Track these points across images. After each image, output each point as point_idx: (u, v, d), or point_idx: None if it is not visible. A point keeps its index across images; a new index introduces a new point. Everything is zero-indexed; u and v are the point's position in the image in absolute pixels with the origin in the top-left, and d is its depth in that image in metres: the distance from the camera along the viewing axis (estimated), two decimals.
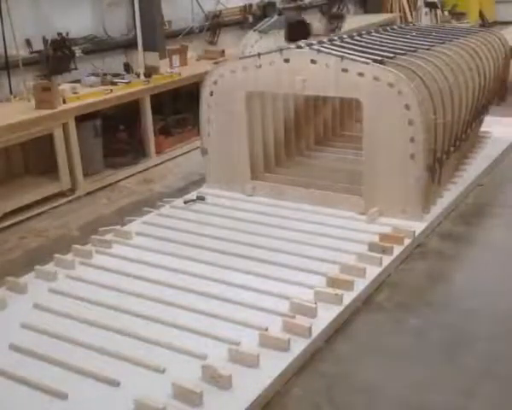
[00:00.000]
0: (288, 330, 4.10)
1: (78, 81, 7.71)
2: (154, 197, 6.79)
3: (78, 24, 8.11)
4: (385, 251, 5.03)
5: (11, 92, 7.28)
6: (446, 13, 15.17)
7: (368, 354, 4.05)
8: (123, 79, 7.95)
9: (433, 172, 5.66)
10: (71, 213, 6.60)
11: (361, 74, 5.58)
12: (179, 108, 8.78)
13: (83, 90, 7.39)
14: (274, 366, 3.79)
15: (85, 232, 5.86)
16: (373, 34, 7.26)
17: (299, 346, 3.98)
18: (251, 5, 11.10)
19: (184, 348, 3.97)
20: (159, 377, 3.75)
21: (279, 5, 11.66)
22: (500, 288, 4.81)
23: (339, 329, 4.28)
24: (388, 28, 8.08)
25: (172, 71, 8.45)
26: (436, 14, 15.14)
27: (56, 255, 5.25)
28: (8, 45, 7.22)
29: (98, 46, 8.35)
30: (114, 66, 8.34)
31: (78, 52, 7.85)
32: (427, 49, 6.57)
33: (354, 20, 12.94)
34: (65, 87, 7.28)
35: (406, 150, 5.49)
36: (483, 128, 7.97)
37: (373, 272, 4.80)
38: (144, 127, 7.93)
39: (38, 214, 6.47)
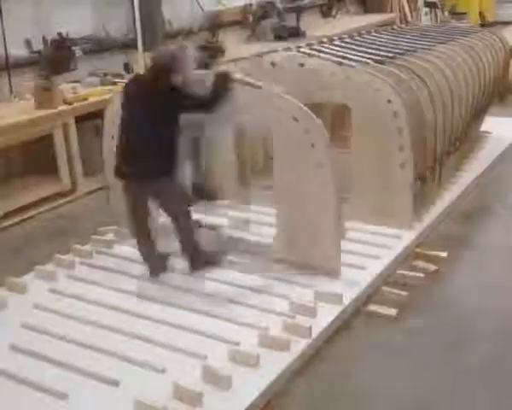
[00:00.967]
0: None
1: (78, 81, 7.71)
2: None
3: (78, 24, 8.10)
4: None
5: (11, 92, 7.28)
6: (446, 13, 15.17)
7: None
8: (123, 79, 7.95)
9: (424, 180, 5.53)
10: (71, 212, 6.60)
11: (348, 78, 5.43)
12: None
13: (83, 91, 7.39)
14: None
15: (85, 232, 5.86)
16: (373, 34, 7.26)
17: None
18: (251, 5, 11.09)
19: (185, 348, 3.97)
20: (159, 377, 3.75)
21: (279, 5, 11.64)
22: (500, 287, 4.81)
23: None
24: (388, 28, 8.08)
25: None
26: (436, 14, 15.13)
27: (56, 255, 5.25)
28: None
29: (98, 46, 8.34)
30: (114, 66, 8.33)
31: (78, 52, 7.85)
32: (427, 49, 6.57)
33: (354, 20, 12.94)
34: (65, 87, 7.28)
35: (396, 159, 5.30)
36: (483, 128, 7.97)
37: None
38: None
39: (38, 214, 6.47)
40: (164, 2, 9.08)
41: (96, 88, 7.56)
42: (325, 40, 6.69)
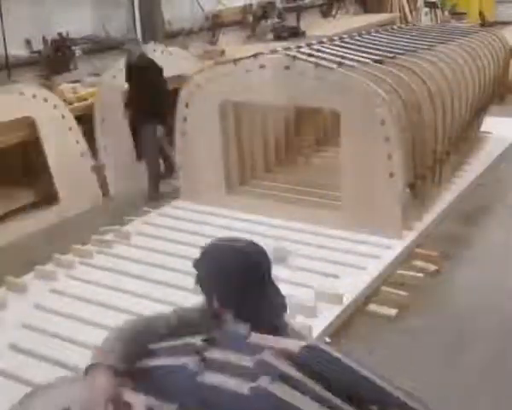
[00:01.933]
0: None
1: (78, 81, 7.71)
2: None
3: (78, 24, 8.11)
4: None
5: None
6: (446, 13, 15.17)
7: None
8: None
9: (414, 189, 5.41)
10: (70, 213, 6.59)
11: (335, 82, 5.27)
12: None
13: (83, 90, 7.39)
14: None
15: (85, 232, 5.86)
16: (373, 34, 7.26)
17: None
18: (251, 5, 11.09)
19: None
20: None
21: (279, 5, 11.65)
22: (500, 287, 4.81)
23: None
24: (388, 28, 8.08)
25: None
26: (436, 14, 15.14)
27: (56, 255, 5.25)
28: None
29: (98, 46, 8.34)
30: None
31: (78, 52, 7.86)
32: (427, 49, 6.57)
33: (354, 20, 12.94)
34: (65, 87, 7.28)
35: (384, 168, 5.16)
36: (483, 128, 7.97)
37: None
38: None
39: (38, 214, 6.45)
40: (164, 2, 9.09)
41: (96, 88, 7.55)
42: (325, 40, 6.69)
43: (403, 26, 10.39)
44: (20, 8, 7.44)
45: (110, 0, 8.66)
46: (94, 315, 4.38)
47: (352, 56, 5.80)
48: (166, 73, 6.71)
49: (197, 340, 1.91)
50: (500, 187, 6.81)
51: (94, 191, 6.73)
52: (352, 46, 6.37)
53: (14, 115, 6.18)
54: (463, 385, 3.74)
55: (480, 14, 15.37)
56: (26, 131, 6.34)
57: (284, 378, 1.71)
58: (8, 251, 5.65)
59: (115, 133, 7.02)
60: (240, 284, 2.02)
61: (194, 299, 4.32)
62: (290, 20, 11.69)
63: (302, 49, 6.07)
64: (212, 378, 1.79)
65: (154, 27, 8.80)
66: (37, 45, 7.62)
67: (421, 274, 4.93)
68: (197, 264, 2.16)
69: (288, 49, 6.21)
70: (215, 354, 1.84)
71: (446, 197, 6.19)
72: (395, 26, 8.99)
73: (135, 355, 2.07)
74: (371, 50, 6.17)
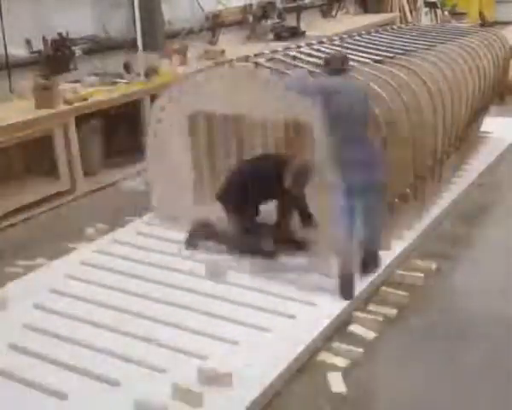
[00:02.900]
0: None
1: (78, 81, 7.71)
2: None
3: (78, 24, 8.10)
4: None
5: (11, 92, 7.28)
6: (446, 13, 15.17)
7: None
8: (123, 78, 7.95)
9: (393, 209, 5.15)
10: (70, 212, 6.60)
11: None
12: None
13: (83, 90, 7.39)
14: None
15: (85, 232, 5.86)
16: (373, 34, 7.26)
17: None
18: (251, 5, 11.09)
19: (185, 348, 3.98)
20: (159, 377, 3.75)
21: (279, 5, 11.64)
22: (500, 287, 4.81)
23: None
24: (388, 28, 8.08)
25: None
26: (436, 14, 15.13)
27: (56, 255, 5.26)
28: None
29: (98, 46, 8.34)
30: (114, 66, 8.33)
31: (78, 52, 7.85)
32: (427, 49, 6.57)
33: (354, 20, 12.94)
34: (65, 87, 7.28)
35: None
36: (483, 128, 7.97)
37: None
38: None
39: (38, 214, 6.46)
40: (164, 2, 9.08)
41: (96, 88, 7.56)
42: (325, 40, 6.69)
43: (403, 26, 10.39)
44: (20, 8, 7.43)
45: (110, 0, 8.66)
46: (94, 315, 4.39)
47: (351, 56, 5.80)
48: None
49: None
50: (500, 187, 6.82)
51: None
52: (352, 46, 6.37)
53: None
54: (463, 384, 3.75)
55: (480, 14, 15.36)
56: None
57: None
58: None
59: None
60: None
61: (197, 298, 4.27)
62: (290, 20, 11.68)
63: (302, 49, 6.08)
64: None
65: (154, 27, 8.79)
66: (37, 45, 7.62)
67: (405, 293, 4.72)
68: None
69: (287, 48, 6.21)
70: None
71: (446, 197, 6.19)
72: (395, 26, 8.99)
73: None
74: (371, 50, 6.17)
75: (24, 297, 4.69)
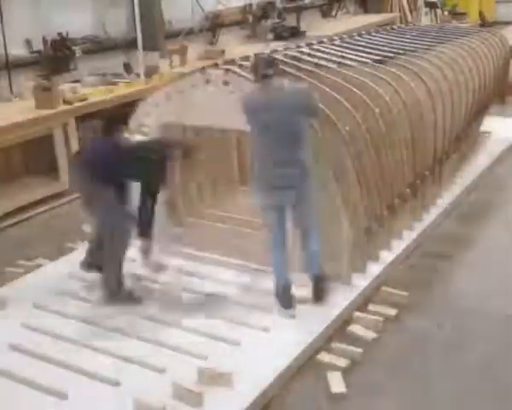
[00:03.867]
0: None
1: (78, 81, 7.71)
2: None
3: (78, 24, 8.11)
4: None
5: (11, 92, 7.29)
6: (446, 13, 15.17)
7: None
8: (123, 78, 7.95)
9: (369, 234, 4.84)
10: (70, 212, 6.59)
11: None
12: None
13: (83, 90, 7.39)
14: None
15: (84, 232, 5.86)
16: (373, 34, 7.26)
17: None
18: (251, 5, 11.09)
19: (185, 348, 3.98)
20: (159, 377, 3.75)
21: (279, 5, 11.64)
22: (500, 287, 4.81)
23: None
24: (388, 28, 8.08)
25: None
26: (436, 14, 15.13)
27: (56, 255, 5.26)
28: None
29: (98, 46, 8.35)
30: (114, 66, 8.33)
31: (78, 52, 7.86)
32: (427, 49, 6.57)
33: (354, 20, 12.94)
34: (65, 87, 7.28)
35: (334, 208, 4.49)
36: (483, 128, 7.97)
37: None
38: None
39: (38, 214, 6.46)
40: (164, 2, 9.09)
41: (96, 88, 7.56)
42: (325, 40, 6.69)
43: (403, 26, 10.39)
44: (20, 8, 7.44)
45: (110, 0, 8.66)
46: (94, 315, 4.39)
47: (352, 56, 5.80)
48: None
49: None
50: (500, 187, 6.81)
51: None
52: (352, 46, 6.37)
53: None
54: (463, 384, 3.75)
55: (480, 14, 15.36)
56: None
57: None
58: None
59: None
60: None
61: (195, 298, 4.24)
62: (290, 20, 11.68)
63: (302, 49, 6.08)
64: None
65: (154, 27, 8.79)
66: (37, 45, 7.63)
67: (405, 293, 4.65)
68: None
69: (287, 48, 6.21)
70: None
71: (446, 197, 6.18)
72: (395, 26, 8.99)
73: None
74: (371, 50, 6.17)
75: (24, 297, 4.69)
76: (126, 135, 4.92)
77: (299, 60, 5.60)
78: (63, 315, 4.42)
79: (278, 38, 10.69)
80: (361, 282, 4.69)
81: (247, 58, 5.39)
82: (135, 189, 4.47)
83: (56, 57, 7.63)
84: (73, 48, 7.80)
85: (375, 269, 4.88)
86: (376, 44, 6.55)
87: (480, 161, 7.25)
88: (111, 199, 4.38)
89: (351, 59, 5.71)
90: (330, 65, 5.48)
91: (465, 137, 6.86)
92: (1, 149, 6.49)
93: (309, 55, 5.84)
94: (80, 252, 5.36)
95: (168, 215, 5.31)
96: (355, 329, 4.27)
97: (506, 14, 15.66)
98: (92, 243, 4.78)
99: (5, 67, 7.26)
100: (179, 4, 9.80)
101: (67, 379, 3.75)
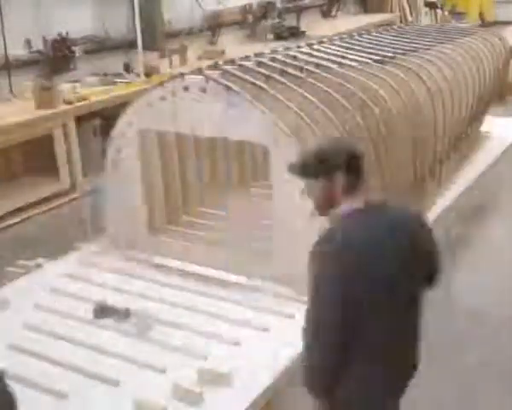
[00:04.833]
0: None
1: (78, 81, 7.72)
2: None
3: (78, 24, 8.11)
4: None
5: (11, 92, 7.29)
6: (446, 13, 15.17)
7: None
8: (123, 78, 7.96)
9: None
10: (70, 212, 6.60)
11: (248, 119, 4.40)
12: None
13: (83, 90, 7.40)
14: None
15: (84, 232, 5.86)
16: (373, 34, 7.26)
17: None
18: (251, 5, 11.09)
19: (185, 348, 3.98)
20: (159, 377, 3.75)
21: (279, 5, 11.64)
22: (500, 287, 4.81)
23: None
24: (388, 28, 8.08)
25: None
26: (436, 14, 15.14)
27: (56, 255, 5.26)
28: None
29: (98, 46, 8.35)
30: (114, 66, 8.34)
31: (78, 52, 7.86)
32: (427, 49, 6.57)
33: (354, 20, 12.94)
34: (65, 87, 7.29)
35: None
36: (483, 128, 7.97)
37: None
38: None
39: (38, 214, 6.47)
40: (164, 2, 9.09)
41: (96, 88, 7.56)
42: (325, 40, 6.69)
43: (403, 25, 10.39)
44: (20, 8, 7.44)
45: (110, 0, 8.66)
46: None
47: (352, 56, 5.80)
48: None
49: None
50: (500, 187, 6.82)
51: None
52: (352, 46, 6.37)
53: None
54: (463, 384, 3.75)
55: (480, 14, 15.37)
56: None
57: None
58: None
59: None
60: None
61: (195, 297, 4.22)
62: (290, 20, 11.68)
63: (302, 49, 6.08)
64: None
65: (153, 27, 8.80)
66: (37, 45, 7.63)
67: None
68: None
69: (288, 48, 6.21)
70: None
71: (446, 197, 6.18)
72: (395, 26, 8.99)
73: None
74: (371, 50, 6.17)
75: (24, 297, 4.69)
76: None
77: (299, 60, 5.60)
78: (63, 315, 4.42)
79: (278, 38, 10.70)
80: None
81: (247, 58, 5.40)
82: None
83: (56, 57, 7.63)
84: (73, 48, 7.80)
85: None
86: (376, 44, 6.55)
87: (480, 160, 7.25)
88: None
89: (351, 59, 5.71)
90: (330, 65, 5.47)
91: (465, 137, 6.86)
92: (1, 149, 6.49)
93: (309, 55, 5.84)
94: (80, 252, 5.38)
95: (146, 221, 5.06)
96: None
97: (506, 14, 15.66)
98: None
99: (5, 67, 7.26)
100: (179, 4, 9.81)
101: (67, 379, 3.75)
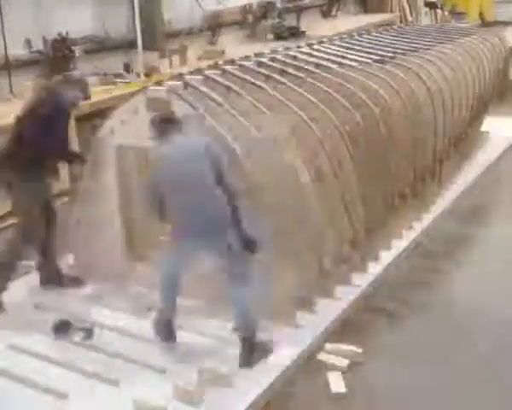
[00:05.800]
0: None
1: None
2: None
3: (78, 24, 8.11)
4: None
5: (11, 92, 7.29)
6: (446, 13, 15.17)
7: None
8: (123, 79, 7.95)
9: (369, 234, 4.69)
10: (70, 212, 6.58)
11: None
12: None
13: None
14: None
15: None
16: (373, 34, 7.27)
17: None
18: (251, 5, 11.09)
19: (184, 349, 3.98)
20: (159, 377, 3.75)
21: (279, 5, 11.64)
22: (500, 287, 4.81)
23: None
24: (388, 28, 8.09)
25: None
26: (436, 14, 15.14)
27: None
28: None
29: (98, 46, 8.34)
30: (114, 66, 8.33)
31: (78, 52, 7.86)
32: (427, 49, 6.58)
33: (354, 20, 12.94)
34: None
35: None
36: (483, 128, 7.98)
37: None
38: None
39: None
40: (164, 2, 9.09)
41: (96, 88, 7.55)
42: (325, 40, 6.70)
43: (403, 25, 10.39)
44: (20, 8, 7.43)
45: (110, 0, 8.66)
46: (94, 315, 4.40)
47: (352, 56, 5.81)
48: None
49: None
50: (500, 187, 6.82)
51: None
52: (352, 46, 6.37)
53: None
54: (463, 384, 3.75)
55: (480, 14, 15.37)
56: None
57: None
58: None
59: None
60: None
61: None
62: (290, 20, 11.68)
63: (302, 49, 6.08)
64: None
65: (153, 27, 8.79)
66: (38, 45, 7.62)
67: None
68: None
69: (288, 48, 6.21)
70: None
71: (446, 197, 6.19)
72: (395, 26, 9.00)
73: None
74: (371, 50, 6.18)
75: (24, 297, 4.69)
76: None
77: (299, 60, 5.60)
78: (63, 315, 4.41)
79: (278, 37, 10.69)
80: (361, 281, 4.69)
81: (247, 58, 5.41)
82: None
83: (56, 57, 7.62)
84: (73, 48, 7.79)
85: (377, 268, 4.88)
86: (376, 44, 6.56)
87: (480, 160, 7.26)
88: None
89: (351, 59, 5.71)
90: (330, 65, 5.47)
91: (465, 137, 6.86)
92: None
93: (309, 55, 5.85)
94: None
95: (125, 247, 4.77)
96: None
97: (506, 14, 15.66)
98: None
99: (5, 67, 7.26)
100: (179, 4, 9.80)
101: (67, 379, 3.75)
